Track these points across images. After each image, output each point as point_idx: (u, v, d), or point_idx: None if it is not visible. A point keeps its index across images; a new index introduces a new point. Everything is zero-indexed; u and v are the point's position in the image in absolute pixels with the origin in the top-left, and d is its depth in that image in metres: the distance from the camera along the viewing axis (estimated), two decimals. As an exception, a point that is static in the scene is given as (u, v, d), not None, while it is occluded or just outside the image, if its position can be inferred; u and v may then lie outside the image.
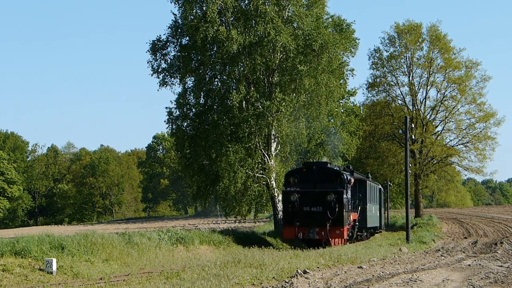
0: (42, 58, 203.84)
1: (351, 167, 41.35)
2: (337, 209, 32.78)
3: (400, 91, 67.06)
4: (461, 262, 23.16)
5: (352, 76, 54.12)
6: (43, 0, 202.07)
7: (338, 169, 35.95)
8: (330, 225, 32.62)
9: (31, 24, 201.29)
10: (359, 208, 39.94)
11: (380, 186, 52.43)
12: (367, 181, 42.72)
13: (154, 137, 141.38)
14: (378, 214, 48.14)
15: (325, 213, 32.77)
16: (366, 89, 67.62)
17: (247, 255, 23.45)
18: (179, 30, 39.55)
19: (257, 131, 37.78)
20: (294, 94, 38.25)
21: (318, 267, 20.99)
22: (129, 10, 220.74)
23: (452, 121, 66.56)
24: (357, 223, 39.14)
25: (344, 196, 33.60)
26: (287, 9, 38.82)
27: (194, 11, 38.19)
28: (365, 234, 43.23)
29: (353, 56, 44.47)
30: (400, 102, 68.01)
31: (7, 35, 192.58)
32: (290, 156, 41.15)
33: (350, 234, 36.94)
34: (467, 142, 65.60)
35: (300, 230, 33.02)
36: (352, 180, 35.35)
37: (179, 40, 39.77)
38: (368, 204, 42.06)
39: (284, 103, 37.20)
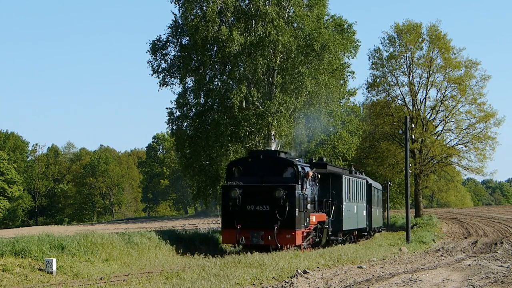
0: (42, 58, 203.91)
1: (324, 159, 36.66)
2: (287, 208, 26.96)
3: (400, 91, 67.15)
4: (461, 262, 23.16)
5: (352, 78, 54.23)
6: (42, 0, 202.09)
7: (292, 159, 29.54)
8: (278, 227, 26.92)
9: (31, 24, 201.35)
10: (333, 208, 33.92)
11: (371, 182, 46.02)
12: (343, 176, 35.79)
13: (154, 137, 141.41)
14: (364, 214, 41.76)
15: (273, 213, 27.04)
16: (366, 89, 67.74)
17: (247, 255, 23.44)
18: (179, 30, 39.58)
19: (257, 131, 37.82)
20: (294, 95, 38.27)
21: (318, 267, 20.99)
22: (129, 11, 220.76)
23: (452, 121, 66.64)
24: (328, 226, 33.03)
25: (298, 191, 27.67)
26: (287, 9, 38.83)
27: (194, 11, 38.21)
28: (341, 238, 36.05)
29: (353, 58, 44.39)
30: (400, 102, 68.06)
31: (7, 35, 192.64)
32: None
33: (316, 239, 31.29)
34: (467, 142, 65.65)
35: (242, 234, 27.32)
36: (310, 173, 29.46)
37: (179, 40, 39.80)
38: (345, 203, 35.57)
39: (284, 103, 37.25)
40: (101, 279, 19.09)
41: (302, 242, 28.19)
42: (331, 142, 49.33)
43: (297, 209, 27.23)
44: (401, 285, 16.67)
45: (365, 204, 41.91)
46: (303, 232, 28.30)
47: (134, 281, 17.94)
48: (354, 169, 41.66)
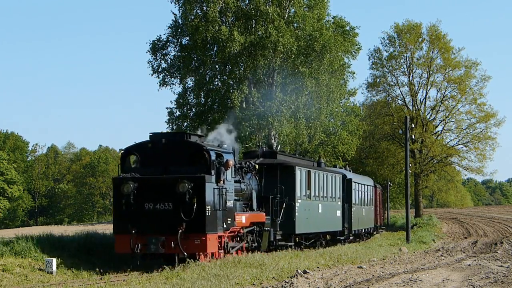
0: (42, 58, 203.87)
1: (264, 148, 31.22)
2: (195, 206, 21.16)
3: (400, 91, 67.25)
4: (461, 262, 23.17)
5: (352, 78, 54.25)
6: (42, 0, 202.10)
7: (205, 144, 23.10)
8: (184, 231, 21.09)
9: (31, 24, 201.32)
10: (284, 206, 28.30)
11: (352, 177, 39.61)
12: (297, 167, 29.55)
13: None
14: (339, 215, 35.58)
15: (177, 213, 21.21)
16: (366, 89, 67.83)
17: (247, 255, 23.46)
18: (179, 30, 39.59)
19: (258, 131, 37.83)
20: (294, 95, 38.31)
21: (318, 267, 21.01)
22: (129, 11, 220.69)
23: (452, 121, 66.74)
24: (270, 228, 27.13)
25: (211, 184, 21.87)
26: (287, 10, 38.85)
27: (195, 11, 38.22)
28: (291, 244, 29.39)
29: (354, 59, 44.50)
30: (400, 102, 68.15)
31: (7, 35, 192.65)
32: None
33: (253, 244, 25.78)
34: (467, 142, 65.72)
35: (137, 240, 21.34)
36: (231, 162, 23.11)
37: (179, 40, 39.81)
38: (300, 201, 29.62)
39: (284, 103, 37.28)
40: (101, 279, 19.09)
41: (220, 249, 22.50)
42: (331, 142, 49.34)
43: (209, 207, 21.41)
44: (401, 285, 16.67)
45: (339, 203, 35.69)
46: (220, 237, 22.44)
47: (134, 281, 17.95)
48: (323, 161, 36.57)
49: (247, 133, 37.42)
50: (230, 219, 22.90)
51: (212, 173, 21.95)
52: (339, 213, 35.60)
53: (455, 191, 71.15)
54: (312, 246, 32.20)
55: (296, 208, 29.13)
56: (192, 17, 37.76)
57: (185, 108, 39.71)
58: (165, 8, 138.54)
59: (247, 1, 38.40)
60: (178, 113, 39.75)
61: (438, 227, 54.53)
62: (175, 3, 39.04)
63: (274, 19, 36.95)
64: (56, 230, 40.71)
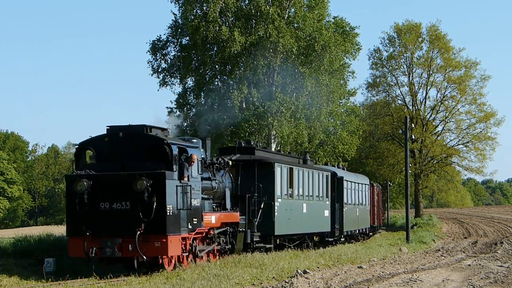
0: (42, 58, 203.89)
1: (242, 144, 28.47)
2: (154, 206, 19.38)
3: (400, 91, 67.29)
4: (461, 262, 23.18)
5: (352, 78, 54.24)
6: (42, 0, 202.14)
7: (166, 137, 20.87)
8: (142, 233, 19.35)
9: (31, 24, 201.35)
10: (262, 206, 26.44)
11: (344, 175, 37.36)
12: (276, 164, 27.49)
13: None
14: (327, 215, 33.48)
15: (136, 213, 19.44)
16: (366, 89, 67.87)
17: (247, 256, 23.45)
18: (179, 30, 39.62)
19: (258, 131, 37.84)
20: (294, 95, 38.34)
21: (318, 267, 21.01)
22: (129, 11, 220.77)
23: (452, 121, 66.77)
24: (246, 229, 25.27)
25: (173, 181, 19.99)
26: (287, 10, 38.87)
27: (195, 11, 38.25)
28: (270, 246, 27.33)
29: (354, 59, 44.53)
30: (400, 102, 68.18)
31: (7, 35, 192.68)
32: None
33: (226, 246, 23.89)
34: (467, 142, 65.77)
35: (92, 243, 19.62)
36: (195, 157, 21.08)
37: (179, 40, 39.85)
38: (280, 200, 27.68)
39: (285, 104, 37.29)
40: (101, 279, 19.07)
41: (184, 252, 20.69)
42: (331, 142, 49.34)
43: (170, 206, 19.63)
44: (401, 285, 16.68)
45: (328, 202, 33.80)
46: (184, 238, 20.61)
47: (134, 281, 17.95)
48: (308, 158, 34.58)
49: (247, 133, 37.43)
50: (196, 220, 20.99)
51: (174, 169, 19.98)
52: (327, 213, 33.58)
53: (455, 191, 71.20)
54: (299, 248, 29.58)
55: (276, 207, 27.19)
56: (192, 17, 37.79)
57: (185, 108, 39.75)
58: (165, 8, 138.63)
59: (247, 1, 38.43)
60: (178, 113, 39.82)
61: (438, 227, 54.54)
62: (175, 3, 39.10)
63: (275, 19, 36.97)
64: (56, 230, 40.73)
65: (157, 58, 39.75)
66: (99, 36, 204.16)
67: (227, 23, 37.95)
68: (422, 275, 18.68)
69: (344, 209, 35.97)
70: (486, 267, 21.05)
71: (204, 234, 22.03)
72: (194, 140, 22.41)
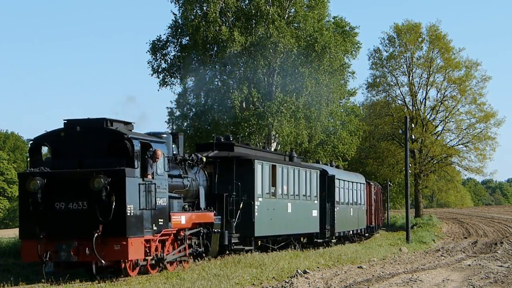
0: (42, 58, 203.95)
1: (222, 139, 26.84)
2: (113, 205, 17.80)
3: (400, 91, 67.36)
4: (461, 262, 23.18)
5: (352, 78, 54.32)
6: (42, 0, 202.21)
7: (128, 132, 19.10)
8: (100, 235, 17.76)
9: (31, 24, 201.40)
10: (241, 205, 24.86)
11: (336, 173, 35.60)
12: (256, 161, 25.77)
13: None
14: (315, 215, 31.84)
15: (93, 213, 17.87)
16: (366, 89, 67.95)
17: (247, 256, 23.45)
18: (179, 30, 39.64)
19: (257, 131, 37.86)
20: (295, 95, 38.36)
21: (318, 267, 21.02)
22: (129, 11, 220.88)
23: (452, 121, 66.85)
24: (224, 230, 23.83)
25: (135, 179, 18.37)
26: (287, 10, 38.90)
27: (195, 11, 38.26)
28: (250, 248, 25.48)
29: (354, 59, 44.60)
30: (400, 102, 68.25)
31: (7, 35, 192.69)
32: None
33: (199, 248, 22.01)
34: (467, 142, 65.82)
35: (47, 247, 18.01)
36: (159, 152, 19.31)
37: (179, 40, 39.87)
38: (260, 199, 26.02)
39: (284, 104, 37.31)
40: (101, 278, 19.05)
41: (148, 255, 18.99)
42: (331, 142, 49.38)
43: (131, 206, 18.05)
44: (401, 285, 16.68)
45: (316, 202, 32.10)
46: (148, 241, 18.94)
47: (134, 281, 17.95)
48: (296, 155, 32.78)
49: (246, 133, 37.45)
50: (162, 220, 19.35)
51: (136, 166, 18.35)
52: (315, 212, 31.88)
53: (455, 191, 71.25)
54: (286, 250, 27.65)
55: (256, 207, 25.53)
56: (192, 17, 37.81)
57: (185, 108, 39.79)
58: (165, 8, 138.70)
59: (247, 1, 38.45)
60: (178, 113, 39.86)
61: (438, 227, 54.56)
62: (175, 3, 39.10)
63: (275, 19, 36.98)
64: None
65: (157, 58, 39.78)
66: (100, 36, 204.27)
67: (227, 23, 37.96)
68: (422, 275, 18.69)
69: (335, 209, 34.43)
70: (486, 267, 21.06)
71: (172, 236, 20.34)
72: (164, 135, 21.00)
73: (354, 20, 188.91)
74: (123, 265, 18.18)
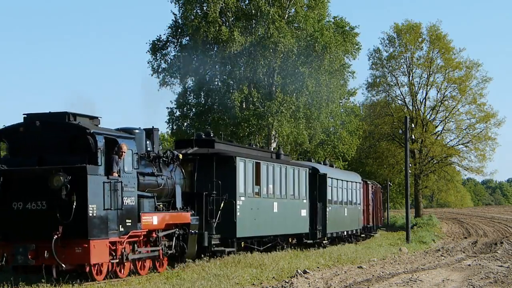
0: (42, 58, 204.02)
1: (202, 135, 25.43)
2: (74, 205, 16.53)
3: (400, 91, 67.35)
4: (461, 262, 23.18)
5: (352, 78, 54.35)
6: (44, 0, 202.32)
7: (91, 128, 17.52)
8: (60, 237, 16.48)
9: (31, 24, 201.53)
10: (221, 205, 23.45)
11: (327, 171, 34.00)
12: (238, 158, 24.48)
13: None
14: (304, 215, 30.46)
15: (53, 214, 16.60)
16: (366, 89, 67.94)
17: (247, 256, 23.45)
18: (179, 30, 39.67)
19: (257, 131, 37.89)
20: (295, 95, 38.39)
21: (318, 267, 21.01)
22: (129, 11, 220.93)
23: (452, 121, 66.87)
24: (204, 231, 22.45)
25: (99, 177, 17.09)
26: (287, 10, 38.93)
27: (195, 11, 38.29)
28: (231, 250, 24.08)
29: (354, 59, 44.63)
30: (400, 102, 68.26)
31: (7, 34, 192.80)
32: (291, 156, 41.22)
33: (171, 250, 20.25)
34: (467, 142, 65.82)
35: (4, 249, 16.83)
36: (125, 148, 17.85)
37: (179, 40, 39.90)
38: (243, 198, 24.72)
39: (285, 104, 37.33)
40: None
41: (115, 258, 17.63)
42: (331, 142, 49.40)
43: (93, 206, 16.81)
44: (401, 285, 16.68)
45: (305, 201, 30.70)
46: (114, 243, 17.58)
47: (134, 281, 17.94)
48: (282, 152, 30.88)
49: (246, 133, 37.49)
50: (130, 221, 17.98)
51: (99, 163, 17.05)
52: (304, 212, 30.46)
53: (455, 191, 71.24)
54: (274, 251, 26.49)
55: (238, 207, 24.20)
56: (192, 17, 37.84)
57: (185, 108, 39.81)
58: (165, 8, 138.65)
59: (247, 1, 38.49)
60: (178, 113, 39.86)
61: (438, 227, 54.56)
62: (175, 3, 39.15)
63: (275, 19, 37.01)
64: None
65: (157, 58, 39.81)
66: (100, 36, 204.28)
67: (227, 23, 37.99)
68: (422, 275, 18.68)
69: (327, 209, 32.97)
70: (486, 267, 21.06)
71: (142, 237, 18.89)
72: (137, 131, 19.67)
73: (354, 20, 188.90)
74: (87, 268, 16.79)
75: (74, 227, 16.40)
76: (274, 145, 39.14)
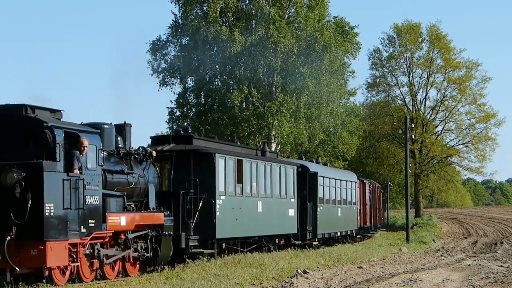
0: (42, 58, 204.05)
1: (181, 132, 24.21)
2: (29, 204, 15.32)
3: (400, 91, 67.37)
4: (461, 262, 23.19)
5: (352, 78, 54.41)
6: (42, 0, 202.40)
7: (49, 121, 16.28)
8: (14, 238, 15.38)
9: (31, 24, 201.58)
10: (200, 204, 21.98)
11: (318, 170, 32.46)
12: (217, 155, 23.06)
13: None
14: (292, 214, 28.97)
15: (6, 213, 15.46)
16: (366, 89, 67.94)
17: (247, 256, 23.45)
18: (179, 30, 39.68)
19: (257, 131, 37.91)
20: (295, 95, 38.41)
21: (318, 267, 21.01)
22: (129, 11, 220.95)
23: (452, 121, 66.88)
24: (180, 232, 21.08)
25: (57, 174, 15.91)
26: (287, 10, 38.96)
27: (195, 11, 38.32)
28: (210, 252, 22.65)
29: (354, 59, 44.68)
30: (400, 102, 68.25)
31: (7, 34, 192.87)
32: (291, 156, 41.21)
33: (146, 253, 19.29)
34: (467, 142, 65.84)
35: None
36: (86, 143, 16.61)
37: (179, 40, 39.92)
38: (223, 197, 23.37)
39: (285, 104, 37.35)
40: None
41: (76, 261, 16.45)
42: (331, 142, 49.41)
43: (51, 205, 15.64)
44: (401, 285, 16.68)
45: (293, 200, 29.13)
46: (75, 245, 16.41)
47: (134, 281, 17.94)
48: (268, 149, 29.37)
49: (246, 133, 37.50)
50: (94, 221, 16.83)
51: (58, 159, 15.90)
52: (292, 212, 28.92)
53: (455, 191, 71.24)
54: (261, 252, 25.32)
55: (217, 206, 22.87)
56: (192, 17, 37.86)
57: (185, 108, 39.84)
58: (165, 8, 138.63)
59: (247, 1, 38.52)
60: (178, 113, 39.89)
61: (438, 227, 54.57)
62: (175, 3, 39.17)
63: (275, 19, 37.03)
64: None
65: (157, 58, 39.82)
66: (100, 36, 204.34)
67: (227, 23, 38.00)
68: (422, 275, 18.69)
69: (318, 209, 31.51)
70: (486, 267, 21.06)
71: (108, 239, 17.81)
72: (106, 126, 18.60)
73: (354, 20, 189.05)
74: (46, 272, 15.59)
75: (29, 228, 15.31)
76: (274, 145, 39.16)
